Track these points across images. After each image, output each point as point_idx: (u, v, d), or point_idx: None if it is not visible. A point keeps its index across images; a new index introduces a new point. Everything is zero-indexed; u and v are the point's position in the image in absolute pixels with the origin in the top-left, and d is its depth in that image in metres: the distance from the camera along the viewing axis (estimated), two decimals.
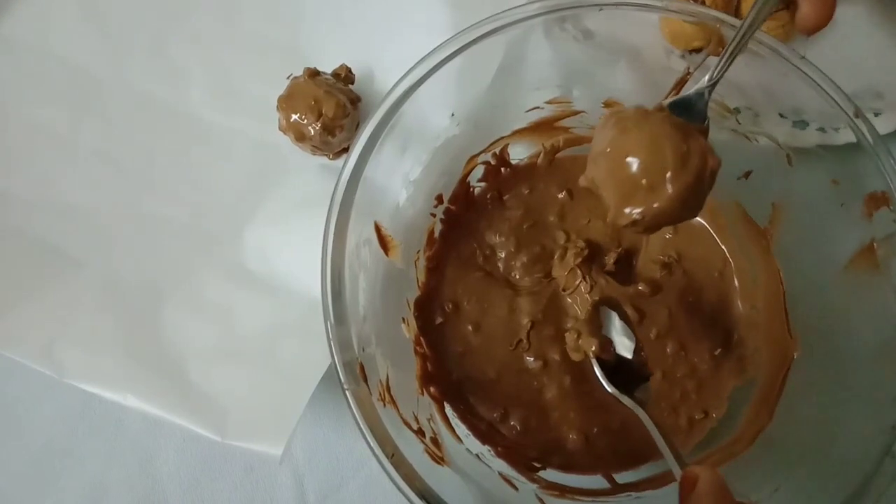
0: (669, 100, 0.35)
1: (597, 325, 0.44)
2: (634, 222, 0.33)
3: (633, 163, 0.32)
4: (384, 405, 0.37)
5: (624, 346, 0.44)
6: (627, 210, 0.33)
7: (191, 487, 0.48)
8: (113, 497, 0.48)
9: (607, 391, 0.42)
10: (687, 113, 0.34)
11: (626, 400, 0.41)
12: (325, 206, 0.37)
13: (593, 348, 0.43)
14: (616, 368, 0.43)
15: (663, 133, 0.32)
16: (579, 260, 0.46)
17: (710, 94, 0.35)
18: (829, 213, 0.40)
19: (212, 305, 0.48)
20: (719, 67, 0.34)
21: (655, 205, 0.32)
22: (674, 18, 0.41)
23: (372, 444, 0.34)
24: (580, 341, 0.44)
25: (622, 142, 0.33)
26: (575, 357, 0.44)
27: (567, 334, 0.45)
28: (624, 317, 0.45)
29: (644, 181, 0.32)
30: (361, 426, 0.34)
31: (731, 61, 0.34)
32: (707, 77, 0.35)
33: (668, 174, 0.31)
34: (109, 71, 0.54)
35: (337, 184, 0.37)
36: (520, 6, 0.39)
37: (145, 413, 0.44)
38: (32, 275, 0.48)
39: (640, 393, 0.42)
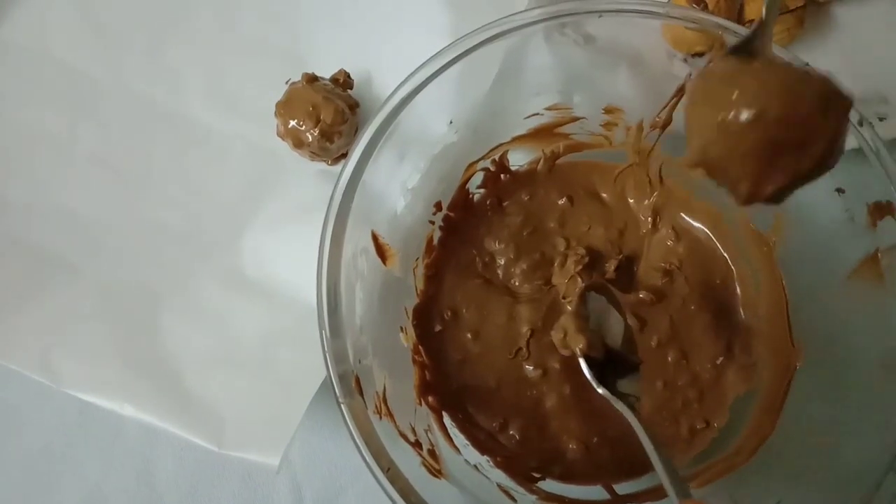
0: (731, 46, 0.30)
1: (584, 319, 0.42)
2: (779, 191, 0.29)
3: (769, 122, 0.27)
4: (380, 418, 0.36)
5: (613, 334, 0.42)
6: (774, 180, 0.28)
7: (189, 495, 0.48)
8: None
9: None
10: (746, 52, 0.29)
11: (618, 404, 0.39)
12: (322, 212, 0.37)
13: (581, 346, 0.40)
14: (606, 359, 0.42)
15: (791, 77, 0.27)
16: (580, 267, 0.46)
17: (772, 22, 0.30)
18: (833, 221, 0.40)
19: (209, 312, 0.48)
20: None
21: (806, 164, 0.28)
22: (675, 25, 0.40)
23: (367, 458, 0.33)
24: (567, 339, 0.41)
25: (744, 101, 0.27)
26: (564, 352, 0.43)
27: (553, 332, 0.43)
28: (612, 300, 0.43)
29: (790, 140, 0.27)
30: (357, 440, 0.33)
31: None
32: (764, 8, 0.30)
33: (815, 124, 0.27)
34: (107, 75, 0.54)
35: (333, 192, 0.37)
36: (520, 13, 0.38)
37: (142, 422, 0.44)
38: (29, 282, 0.48)
39: (630, 385, 0.41)
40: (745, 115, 0.27)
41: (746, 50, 0.29)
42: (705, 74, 0.29)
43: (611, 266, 0.47)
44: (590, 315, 0.43)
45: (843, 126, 0.28)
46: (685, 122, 0.30)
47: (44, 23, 0.55)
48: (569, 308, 0.44)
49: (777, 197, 0.29)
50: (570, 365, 0.45)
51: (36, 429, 0.50)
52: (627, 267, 0.48)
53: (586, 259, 0.46)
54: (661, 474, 0.34)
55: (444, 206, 0.47)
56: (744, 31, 0.38)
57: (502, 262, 0.47)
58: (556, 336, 0.42)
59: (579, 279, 0.45)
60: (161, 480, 0.49)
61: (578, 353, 0.41)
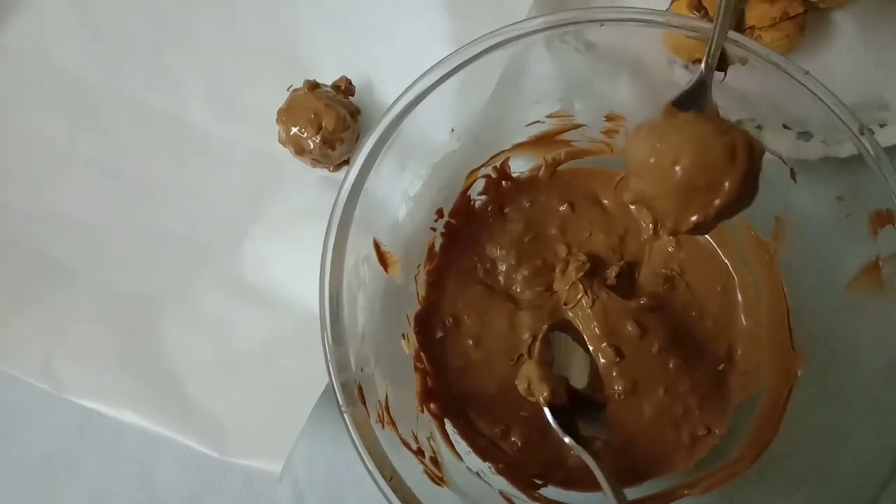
0: (673, 98, 0.35)
1: (548, 366, 0.43)
2: (697, 225, 0.34)
3: (684, 167, 0.32)
4: (383, 426, 0.36)
5: (578, 373, 0.43)
6: (691, 215, 0.33)
7: (190, 501, 0.48)
8: None
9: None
10: (695, 105, 0.35)
11: (582, 453, 0.39)
12: (324, 218, 0.37)
13: (544, 395, 0.41)
14: (571, 400, 0.42)
15: (704, 131, 0.33)
16: (581, 274, 0.46)
17: (710, 78, 0.36)
18: (833, 229, 0.40)
19: (210, 319, 0.48)
20: (711, 48, 0.35)
21: (717, 202, 0.33)
22: (675, 34, 0.40)
23: (370, 467, 0.33)
24: (531, 388, 0.42)
25: (665, 150, 0.33)
26: (530, 398, 0.43)
27: (517, 382, 0.43)
28: (577, 338, 0.44)
29: (701, 182, 0.32)
30: (360, 449, 0.33)
31: (721, 41, 0.36)
32: (703, 64, 0.36)
33: (723, 170, 0.32)
34: (107, 81, 0.54)
35: (336, 201, 0.37)
36: (521, 21, 0.38)
37: (143, 429, 0.44)
38: (30, 288, 0.48)
39: (595, 427, 0.41)
40: (665, 161, 0.33)
41: (687, 102, 0.35)
42: (646, 125, 0.34)
43: (612, 272, 0.47)
44: (553, 359, 0.43)
45: (751, 170, 0.32)
46: (625, 165, 0.35)
47: (44, 29, 0.55)
48: (578, 324, 0.45)
49: (699, 229, 0.34)
50: None
51: (37, 435, 0.50)
52: (629, 273, 0.48)
53: (588, 265, 0.46)
54: None
55: (446, 212, 0.47)
56: (742, 38, 0.38)
57: (503, 268, 0.47)
58: (520, 386, 0.43)
59: (581, 285, 0.45)
60: (162, 487, 0.49)
61: (542, 402, 0.41)
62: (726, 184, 0.32)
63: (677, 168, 0.32)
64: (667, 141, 0.33)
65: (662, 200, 0.34)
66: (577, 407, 0.42)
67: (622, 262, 0.47)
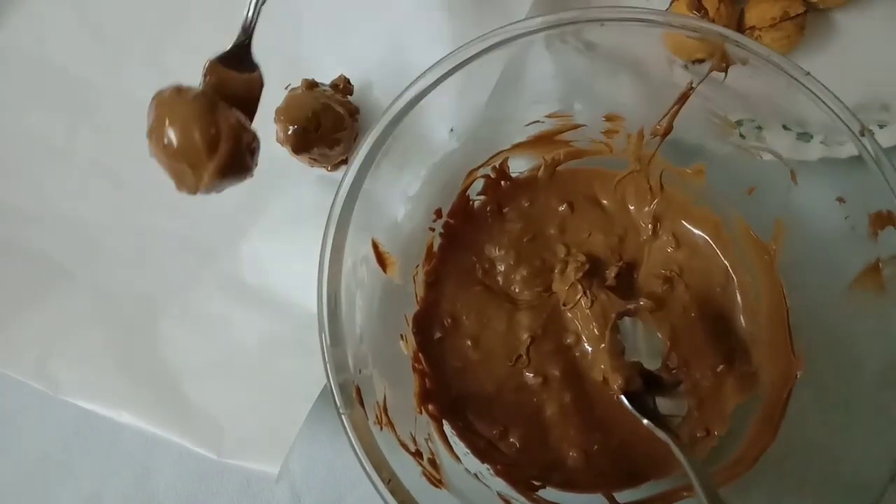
0: (218, 56, 0.38)
1: (619, 354, 0.43)
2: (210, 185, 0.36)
3: (173, 146, 0.34)
4: (381, 428, 0.36)
5: (650, 355, 0.43)
6: (181, 188, 0.36)
7: (187, 503, 0.48)
8: None
9: (628, 408, 0.41)
10: (239, 64, 0.38)
11: (659, 433, 0.39)
12: (322, 218, 0.37)
13: (619, 384, 0.41)
14: (645, 380, 0.42)
15: (191, 116, 0.34)
16: (580, 275, 0.46)
17: (249, 39, 0.39)
18: (833, 230, 0.40)
19: (208, 320, 0.47)
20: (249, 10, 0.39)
21: (203, 182, 0.35)
22: (675, 34, 0.40)
23: (368, 469, 0.33)
24: (606, 378, 0.43)
25: (160, 125, 0.34)
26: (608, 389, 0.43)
27: (591, 372, 0.44)
28: (644, 319, 0.45)
29: (186, 163, 0.35)
30: (358, 452, 0.33)
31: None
32: (242, 24, 0.38)
33: (203, 156, 0.34)
34: (106, 80, 0.54)
35: (334, 201, 0.37)
36: (521, 21, 0.38)
37: (140, 430, 0.43)
38: (27, 289, 0.48)
39: (673, 403, 0.42)
40: (157, 134, 0.35)
41: (232, 62, 0.39)
42: (162, 91, 0.36)
43: (611, 273, 0.47)
44: (623, 347, 0.43)
45: (238, 158, 0.35)
46: None
47: (43, 28, 0.55)
48: (577, 324, 0.45)
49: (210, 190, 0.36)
50: (571, 373, 0.45)
51: (33, 436, 0.50)
52: (628, 274, 0.48)
53: (587, 266, 0.46)
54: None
55: (445, 213, 0.46)
56: (743, 38, 0.38)
57: (502, 268, 0.47)
58: (595, 377, 0.44)
59: (580, 286, 0.45)
60: (159, 488, 0.48)
61: (617, 391, 0.42)
62: (208, 169, 0.34)
63: (167, 144, 0.34)
64: (161, 118, 0.34)
65: (165, 169, 0.36)
66: (655, 387, 0.42)
67: (621, 263, 0.47)
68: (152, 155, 0.35)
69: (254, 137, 0.36)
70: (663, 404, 0.41)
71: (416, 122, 0.38)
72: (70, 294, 0.48)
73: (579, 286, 0.45)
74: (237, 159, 0.35)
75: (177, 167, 0.35)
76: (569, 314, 0.46)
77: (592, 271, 0.46)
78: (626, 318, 0.44)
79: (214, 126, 0.34)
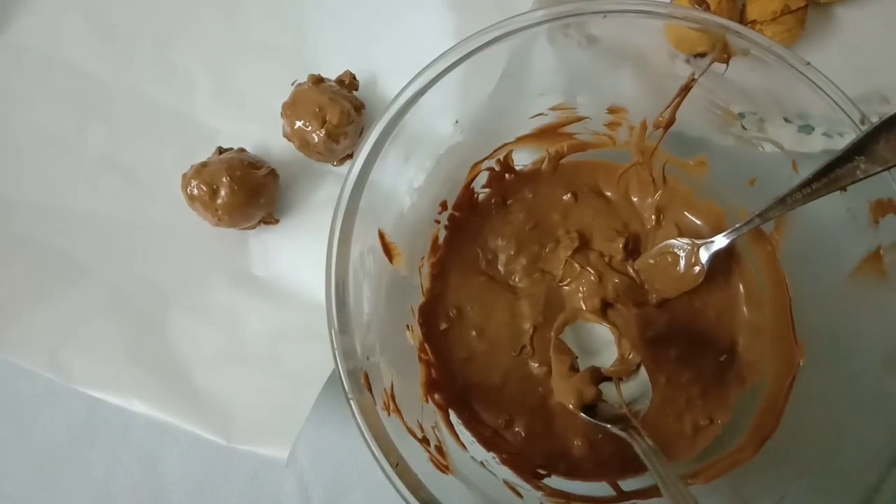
0: None
1: (567, 371, 0.42)
2: None
3: None
4: (388, 414, 0.36)
5: (606, 355, 0.43)
6: None
7: (196, 493, 0.49)
8: (118, 502, 0.49)
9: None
10: None
11: (625, 435, 0.38)
12: (328, 212, 0.37)
13: (572, 404, 0.40)
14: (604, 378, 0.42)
15: None
16: (570, 251, 0.46)
17: None
18: (835, 219, 0.40)
19: (217, 310, 0.48)
20: None
21: None
22: (678, 25, 0.41)
23: (377, 454, 0.33)
24: (561, 400, 0.42)
25: None
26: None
27: (560, 400, 0.42)
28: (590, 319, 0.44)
29: None
30: (366, 436, 0.34)
31: None
32: None
33: None
34: (116, 77, 0.54)
35: (341, 192, 0.37)
36: (524, 14, 0.39)
37: (151, 418, 0.44)
38: (39, 281, 0.48)
39: (635, 386, 0.41)
40: None
41: None
42: None
43: (618, 244, 0.47)
44: (573, 359, 0.43)
45: None
46: None
47: (53, 26, 0.55)
48: (580, 301, 0.45)
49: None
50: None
51: (44, 426, 0.50)
52: (635, 246, 0.48)
53: (576, 243, 0.46)
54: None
55: (450, 205, 0.47)
56: (744, 29, 0.39)
57: (503, 258, 0.48)
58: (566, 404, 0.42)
59: (576, 265, 0.46)
60: (169, 478, 0.49)
61: (573, 409, 0.41)
62: None
63: None
64: None
65: None
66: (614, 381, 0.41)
67: (627, 235, 0.47)
68: None
69: None
70: (627, 388, 0.41)
71: (421, 114, 0.39)
72: (82, 286, 0.48)
73: (575, 264, 0.46)
74: None
75: None
76: (566, 289, 0.46)
77: (583, 246, 0.47)
78: (568, 329, 0.44)
79: None
